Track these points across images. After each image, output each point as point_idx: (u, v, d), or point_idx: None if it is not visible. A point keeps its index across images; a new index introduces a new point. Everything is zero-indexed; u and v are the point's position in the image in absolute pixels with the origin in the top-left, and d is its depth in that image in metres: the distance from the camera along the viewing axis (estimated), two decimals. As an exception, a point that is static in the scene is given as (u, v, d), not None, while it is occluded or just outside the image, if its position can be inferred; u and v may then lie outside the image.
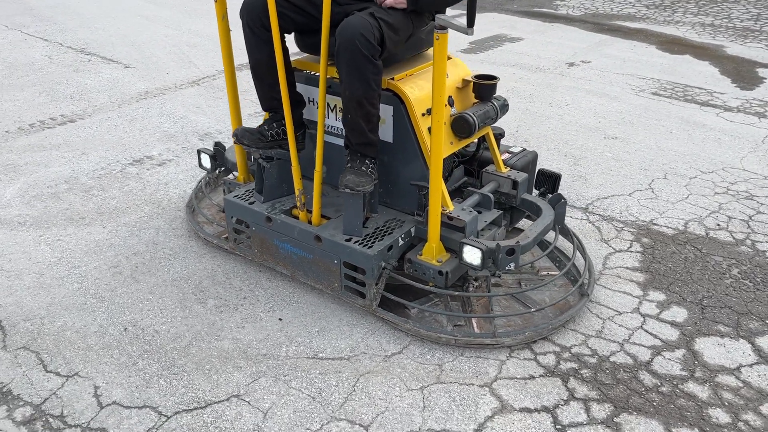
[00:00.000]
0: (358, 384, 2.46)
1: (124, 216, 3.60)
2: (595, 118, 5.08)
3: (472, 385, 2.47)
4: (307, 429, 2.27)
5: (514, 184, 3.03)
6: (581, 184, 4.03)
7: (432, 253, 2.72)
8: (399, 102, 2.72)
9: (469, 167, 3.22)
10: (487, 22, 8.21)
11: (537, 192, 3.27)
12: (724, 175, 4.17)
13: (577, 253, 3.11)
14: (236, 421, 2.30)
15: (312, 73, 2.98)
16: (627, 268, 3.21)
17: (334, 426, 2.28)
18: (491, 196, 2.94)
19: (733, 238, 3.48)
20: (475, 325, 2.73)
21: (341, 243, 2.72)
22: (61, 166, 4.17)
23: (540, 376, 2.52)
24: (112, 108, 5.22)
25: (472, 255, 2.61)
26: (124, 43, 7.06)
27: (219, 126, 4.89)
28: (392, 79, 2.71)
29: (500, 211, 2.95)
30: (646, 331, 2.77)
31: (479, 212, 2.93)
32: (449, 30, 2.33)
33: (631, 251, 3.35)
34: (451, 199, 3.04)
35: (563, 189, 3.94)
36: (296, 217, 2.91)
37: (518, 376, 2.52)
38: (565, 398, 2.41)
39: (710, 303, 2.95)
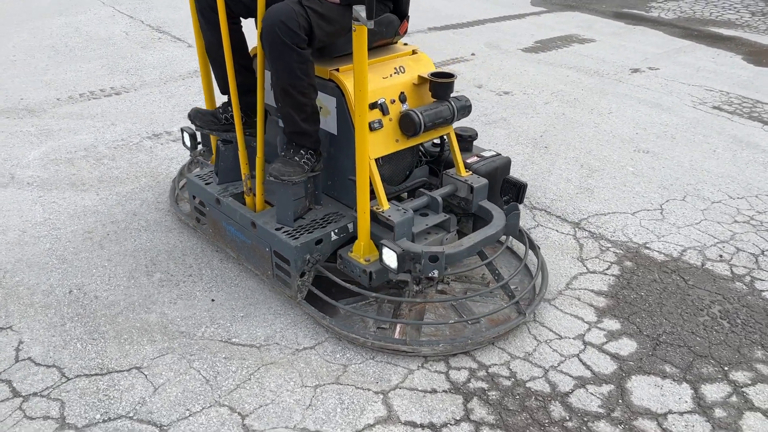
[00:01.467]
0: (257, 373, 2.46)
1: (120, 186, 3.79)
2: (633, 129, 4.73)
3: (368, 390, 2.40)
4: (187, 410, 2.29)
5: (471, 189, 2.88)
6: (584, 198, 3.77)
7: (360, 251, 2.65)
8: (341, 94, 2.66)
9: (435, 167, 3.11)
10: (563, 21, 7.84)
11: (504, 200, 3.10)
12: (753, 203, 3.76)
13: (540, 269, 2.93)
14: (126, 391, 2.36)
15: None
16: (592, 290, 2.98)
17: (213, 411, 2.29)
18: (439, 199, 2.82)
19: (732, 272, 3.13)
20: (397, 330, 2.64)
21: (271, 231, 2.72)
22: (87, 135, 4.44)
23: (443, 391, 2.40)
24: (158, 84, 5.48)
25: (389, 257, 2.52)
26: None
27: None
28: (336, 70, 2.66)
29: (447, 216, 2.83)
30: (581, 360, 2.56)
31: (425, 215, 2.83)
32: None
33: (606, 274, 3.10)
34: (409, 198, 2.96)
35: (564, 200, 3.71)
36: (244, 202, 2.94)
37: (419, 388, 2.41)
38: (458, 418, 2.29)
39: (668, 340, 2.68)
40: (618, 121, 4.88)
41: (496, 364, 2.54)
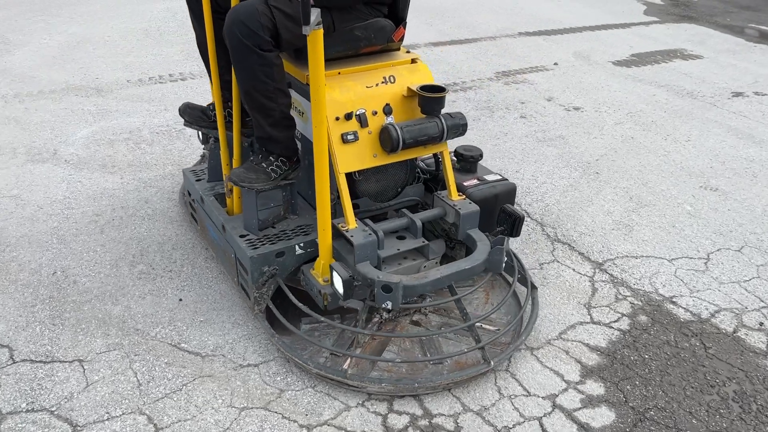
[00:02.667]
0: (190, 385, 2.36)
1: (145, 172, 3.84)
2: (709, 162, 4.18)
3: (294, 422, 2.23)
4: (107, 412, 2.24)
5: (458, 215, 2.62)
6: (619, 235, 3.36)
7: (320, 270, 2.48)
8: (316, 101, 2.49)
9: (433, 186, 2.87)
10: (672, 34, 7.15)
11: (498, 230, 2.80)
12: (827, 264, 3.18)
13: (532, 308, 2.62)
14: (60, 383, 2.35)
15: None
16: (587, 344, 2.62)
17: (131, 418, 2.22)
18: (417, 222, 2.58)
19: (768, 345, 2.65)
20: (348, 360, 2.44)
21: (235, 237, 2.61)
22: (137, 118, 4.57)
23: (373, 436, 2.19)
24: (225, 72, 5.55)
25: (336, 281, 2.33)
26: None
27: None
28: (317, 76, 2.49)
29: (425, 242, 2.58)
30: (541, 425, 2.25)
31: (403, 237, 2.61)
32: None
33: (611, 327, 2.72)
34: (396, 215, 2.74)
35: (595, 235, 3.32)
36: (225, 204, 2.86)
37: (348, 428, 2.21)
38: (377, 470, 2.07)
39: (656, 417, 2.29)
40: (694, 151, 4.34)
41: (443, 414, 2.28)
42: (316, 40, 2.07)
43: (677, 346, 2.63)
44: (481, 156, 2.89)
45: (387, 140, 2.47)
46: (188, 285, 2.89)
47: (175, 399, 2.30)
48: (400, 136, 2.45)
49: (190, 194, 3.14)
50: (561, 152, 4.25)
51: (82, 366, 2.43)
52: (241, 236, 2.61)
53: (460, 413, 2.29)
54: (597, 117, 4.83)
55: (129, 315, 2.70)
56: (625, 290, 2.95)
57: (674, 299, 2.91)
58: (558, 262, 3.14)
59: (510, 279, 2.79)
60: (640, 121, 4.79)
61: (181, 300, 2.79)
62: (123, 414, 2.24)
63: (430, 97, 2.50)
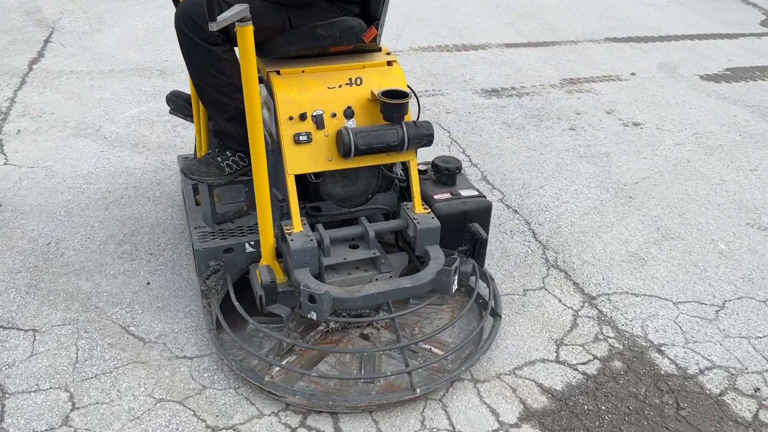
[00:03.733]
0: (121, 369, 2.41)
1: (170, 154, 3.97)
2: (768, 197, 3.70)
3: (203, 422, 2.21)
4: (37, 384, 2.33)
5: (416, 229, 2.48)
6: (627, 269, 3.04)
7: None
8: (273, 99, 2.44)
9: (408, 195, 2.73)
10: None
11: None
12: None
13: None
14: (8, 350, 2.47)
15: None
16: (540, 385, 2.39)
17: (54, 394, 2.29)
18: (371, 232, 2.47)
19: (755, 415, 2.30)
20: (273, 370, 2.37)
21: (191, 228, 2.62)
22: (185, 101, 4.73)
23: (273, 448, 2.12)
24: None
25: (256, 286, 2.28)
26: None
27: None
28: (278, 72, 2.43)
29: (376, 254, 2.47)
30: (453, 466, 2.08)
31: (356, 247, 2.51)
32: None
33: (576, 369, 2.47)
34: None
35: (599, 266, 3.05)
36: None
37: (251, 437, 2.16)
38: (262, 484, 2.00)
39: (586, 478, 2.05)
40: (756, 182, 3.85)
41: (353, 438, 2.17)
42: (244, 36, 2.01)
43: (645, 401, 2.34)
44: (459, 169, 2.72)
45: (340, 144, 2.37)
46: (161, 269, 2.94)
47: (101, 381, 2.35)
48: (353, 141, 2.34)
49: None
50: (599, 171, 3.92)
51: (35, 336, 2.54)
52: (197, 228, 2.62)
53: (372, 439, 2.17)
54: (656, 135, 4.42)
55: (96, 292, 2.79)
56: (610, 330, 2.67)
57: (662, 348, 2.59)
58: (546, 290, 2.90)
59: (490, 302, 2.60)
60: (704, 143, 4.33)
61: (149, 284, 2.85)
62: (50, 388, 2.31)
63: (388, 103, 2.38)
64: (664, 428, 2.24)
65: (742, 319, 2.76)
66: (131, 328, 2.60)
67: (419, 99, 2.95)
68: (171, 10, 7.44)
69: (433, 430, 2.21)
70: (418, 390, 2.24)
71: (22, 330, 2.57)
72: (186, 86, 4.94)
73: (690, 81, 5.45)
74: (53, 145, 4.05)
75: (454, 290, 2.40)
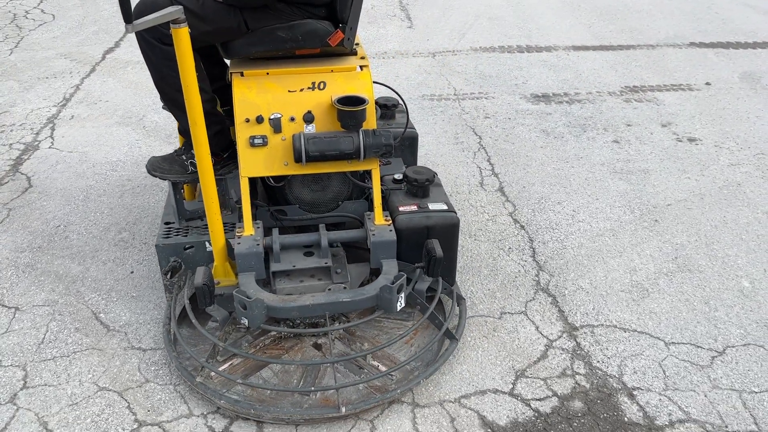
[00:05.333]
0: (78, 354, 2.51)
1: (197, 146, 4.08)
2: (822, 231, 3.26)
3: (134, 415, 2.26)
4: (0, 360, 2.47)
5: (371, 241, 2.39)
6: (625, 300, 2.79)
7: (216, 272, 2.45)
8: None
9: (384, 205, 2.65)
10: None
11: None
12: None
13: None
14: (-13, 325, 2.64)
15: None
16: (482, 417, 2.24)
17: (11, 371, 2.42)
18: (323, 240, 2.42)
19: (719, 482, 2.03)
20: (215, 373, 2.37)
21: (160, 223, 2.67)
22: (230, 94, 4.85)
23: (190, 450, 2.13)
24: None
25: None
26: (432, 5, 7.18)
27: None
28: (241, 74, 2.42)
29: (328, 263, 2.41)
30: (359, 493, 1.99)
31: (311, 254, 2.47)
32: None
33: (529, 405, 2.29)
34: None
35: (593, 294, 2.82)
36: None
37: (173, 436, 2.18)
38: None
39: None
40: (812, 212, 3.41)
41: (271, 450, 2.13)
42: (179, 38, 2.01)
43: (594, 450, 2.13)
44: (429, 181, 2.58)
45: (292, 150, 2.33)
46: (149, 259, 3.03)
47: (57, 364, 2.46)
48: (303, 147, 2.29)
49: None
50: (630, 189, 3.62)
51: (15, 314, 2.70)
52: (166, 223, 2.66)
53: (289, 453, 2.12)
54: (711, 153, 4.02)
55: (82, 277, 2.92)
56: (581, 366, 2.46)
57: (635, 392, 2.35)
58: (525, 314, 2.71)
59: (446, 322, 2.47)
60: (765, 165, 3.88)
61: (132, 273, 2.95)
62: (10, 365, 2.45)
63: (343, 110, 2.30)
64: (606, 483, 2.03)
65: (740, 369, 2.45)
66: (101, 315, 2.70)
67: (407, 106, 2.86)
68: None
69: (354, 452, 2.13)
70: (343, 409, 2.17)
71: (6, 307, 2.74)
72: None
73: (724, 82, 4.92)
74: (96, 132, 4.28)
75: (399, 309, 2.30)
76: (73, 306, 2.74)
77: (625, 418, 2.25)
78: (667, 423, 2.23)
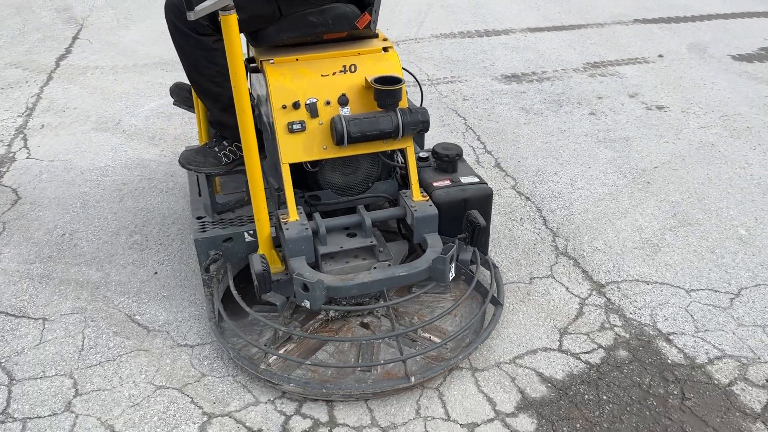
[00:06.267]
0: (124, 356, 2.45)
1: (185, 146, 4.00)
2: (796, 180, 3.55)
3: (200, 408, 2.24)
4: (43, 371, 2.39)
5: (413, 217, 2.45)
6: (640, 256, 2.96)
7: (259, 260, 2.45)
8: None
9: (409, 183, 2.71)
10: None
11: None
12: None
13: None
14: (18, 338, 2.55)
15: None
16: (540, 374, 2.35)
17: (59, 380, 2.35)
18: (367, 220, 2.46)
19: (765, 408, 2.21)
20: (271, 358, 2.38)
21: (192, 218, 2.65)
22: (204, 93, 4.78)
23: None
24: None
25: (253, 273, 2.28)
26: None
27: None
28: (271, 61, 2.43)
29: (373, 242, 2.45)
30: (445, 455, 2.06)
31: (354, 235, 2.50)
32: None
33: (579, 358, 2.42)
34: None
35: (610, 253, 2.97)
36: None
37: (247, 424, 2.17)
38: (253, 471, 2.02)
39: (581, 468, 2.01)
40: (785, 166, 3.70)
41: (347, 425, 2.17)
42: (228, 25, 2.01)
43: (648, 392, 2.28)
44: (459, 155, 2.67)
45: (332, 132, 2.36)
46: (169, 259, 2.99)
47: (105, 368, 2.40)
48: (346, 129, 2.33)
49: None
50: (617, 156, 3.82)
51: (44, 324, 2.61)
52: (198, 218, 2.64)
53: (365, 427, 2.16)
54: (680, 119, 4.28)
55: (105, 282, 2.85)
56: (617, 319, 2.61)
57: (671, 336, 2.51)
58: (553, 277, 2.84)
59: (491, 290, 2.56)
60: (732, 126, 4.17)
61: (156, 273, 2.90)
62: (55, 375, 2.38)
63: (382, 90, 2.35)
64: (667, 419, 2.17)
65: (758, 307, 2.66)
66: (136, 317, 2.65)
67: (422, 85, 2.93)
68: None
69: (428, 418, 2.19)
70: (412, 379, 2.23)
71: (32, 318, 2.64)
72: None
73: (721, 62, 5.26)
74: (74, 139, 4.14)
75: (450, 278, 2.37)
76: (104, 311, 2.68)
77: (668, 361, 2.41)
78: (706, 361, 2.40)
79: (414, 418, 2.19)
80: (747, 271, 2.86)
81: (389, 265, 2.47)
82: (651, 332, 2.54)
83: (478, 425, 2.16)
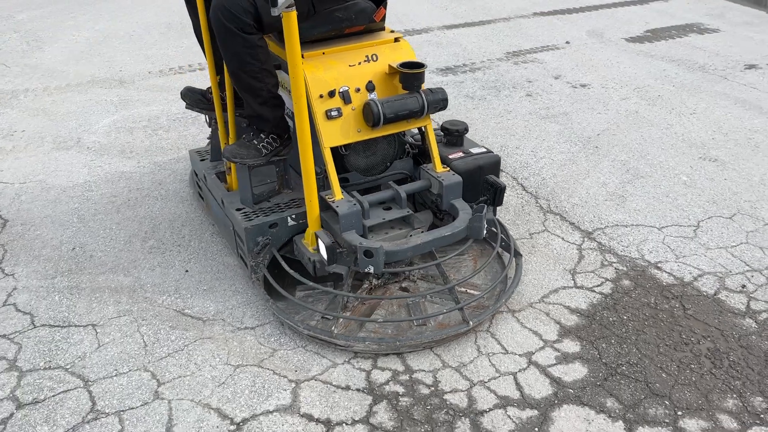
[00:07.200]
0: (191, 345, 2.56)
1: (161, 156, 4.07)
2: (711, 134, 4.20)
3: (284, 377, 2.41)
4: (116, 369, 2.46)
5: (441, 186, 2.76)
6: (612, 206, 3.44)
7: (309, 240, 2.65)
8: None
9: (422, 160, 3.01)
10: (692, 9, 7.07)
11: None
12: (819, 229, 3.21)
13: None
14: (74, 345, 2.57)
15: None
16: (567, 307, 2.73)
17: (137, 374, 2.43)
18: (402, 193, 2.73)
19: (747, 307, 2.72)
20: (337, 322, 2.60)
21: (232, 211, 2.80)
22: (156, 106, 4.80)
23: (356, 389, 2.35)
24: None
25: (321, 248, 2.50)
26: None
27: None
28: (302, 56, 2.64)
29: (410, 212, 2.73)
30: (516, 379, 2.38)
31: (389, 208, 2.76)
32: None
33: (593, 291, 2.82)
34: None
35: (587, 206, 3.42)
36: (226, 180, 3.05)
37: (334, 383, 2.38)
38: (357, 419, 2.23)
39: (627, 371, 2.40)
40: (698, 123, 4.36)
41: (423, 370, 2.43)
42: (290, 21, 2.22)
43: (656, 308, 2.72)
44: (466, 130, 3.01)
45: (369, 115, 2.61)
46: (194, 257, 3.09)
47: (176, 358, 2.51)
48: (381, 111, 2.59)
49: (196, 174, 3.35)
50: (563, 128, 4.33)
51: (95, 330, 2.66)
52: (238, 209, 2.79)
53: (439, 369, 2.44)
54: (603, 93, 4.88)
55: (139, 285, 2.91)
56: (612, 257, 3.05)
57: (659, 264, 2.99)
58: (548, 231, 3.25)
59: (500, 248, 2.91)
60: (646, 96, 4.82)
61: (187, 271, 3.00)
62: (130, 371, 2.45)
63: (409, 74, 2.64)
64: (678, 326, 2.62)
65: (716, 235, 3.20)
66: (186, 310, 2.75)
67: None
68: (106, 24, 7.39)
69: (489, 354, 2.50)
70: (471, 323, 2.53)
71: (80, 326, 2.67)
72: (152, 92, 5.03)
73: (618, 44, 5.99)
74: (38, 160, 4.06)
75: (484, 234, 2.70)
76: (151, 310, 2.75)
77: (664, 283, 2.87)
78: (692, 279, 2.89)
79: (478, 356, 2.49)
80: (698, 208, 3.42)
81: (422, 231, 2.76)
82: (642, 263, 3.00)
83: (533, 353, 2.50)
